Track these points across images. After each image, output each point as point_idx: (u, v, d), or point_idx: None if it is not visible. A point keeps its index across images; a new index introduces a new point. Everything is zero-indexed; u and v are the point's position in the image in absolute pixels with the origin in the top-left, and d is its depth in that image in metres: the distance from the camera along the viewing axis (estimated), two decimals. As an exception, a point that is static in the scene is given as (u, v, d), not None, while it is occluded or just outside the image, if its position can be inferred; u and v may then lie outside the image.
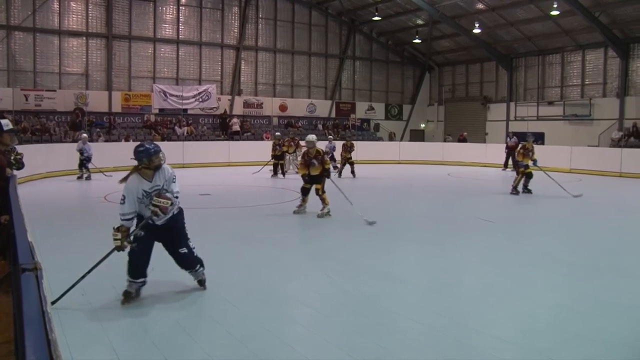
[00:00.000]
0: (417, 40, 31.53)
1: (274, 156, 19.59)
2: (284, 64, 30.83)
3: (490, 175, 21.42)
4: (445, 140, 29.42)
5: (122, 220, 5.37)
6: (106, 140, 22.95)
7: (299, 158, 21.51)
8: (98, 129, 23.53)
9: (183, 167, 21.88)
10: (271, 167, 19.71)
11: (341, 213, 10.58)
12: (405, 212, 10.06)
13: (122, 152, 21.50)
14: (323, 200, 10.76)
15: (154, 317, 5.16)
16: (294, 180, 16.48)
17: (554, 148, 24.60)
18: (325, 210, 10.71)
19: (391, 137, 32.86)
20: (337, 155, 20.62)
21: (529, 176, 14.97)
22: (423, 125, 35.47)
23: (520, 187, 15.00)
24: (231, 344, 4.54)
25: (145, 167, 5.47)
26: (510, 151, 22.88)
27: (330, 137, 23.55)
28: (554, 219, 11.72)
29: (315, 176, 10.80)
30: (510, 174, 21.79)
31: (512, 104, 30.57)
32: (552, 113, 28.29)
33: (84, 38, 25.11)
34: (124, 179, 5.57)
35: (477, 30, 27.79)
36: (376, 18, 29.29)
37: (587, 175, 20.63)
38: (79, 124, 23.29)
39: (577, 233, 10.06)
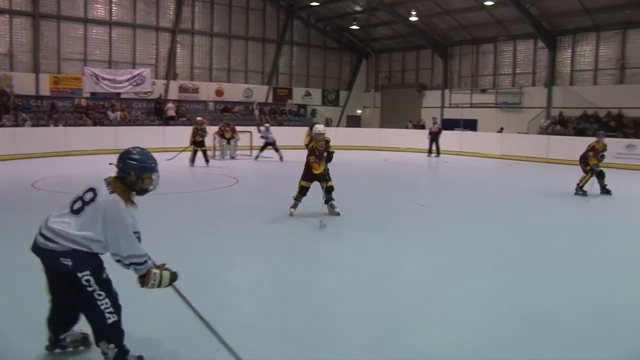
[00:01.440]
0: (354, 27, 31.66)
1: (193, 142, 17.44)
2: (221, 48, 30.34)
3: (425, 161, 21.86)
4: (407, 127, 29.48)
5: (147, 262, 3.73)
6: (33, 125, 21.97)
7: (238, 143, 21.46)
8: (24, 114, 22.44)
9: (116, 153, 21.26)
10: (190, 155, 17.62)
11: (285, 202, 10.53)
12: (344, 198, 10.13)
13: (51, 137, 20.84)
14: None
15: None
16: (219, 167, 16.34)
17: (486, 135, 25.41)
18: (337, 210, 9.55)
19: (328, 123, 32.87)
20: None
21: (601, 175, 12.97)
22: (359, 112, 35.76)
23: (588, 187, 12.88)
24: (167, 330, 4.47)
25: (129, 187, 3.78)
26: (433, 136, 23.38)
27: (267, 124, 22.35)
28: (482, 202, 12.08)
29: (319, 175, 9.46)
30: (435, 159, 22.42)
31: (447, 92, 31.23)
32: (485, 101, 29.08)
33: (7, 16, 23.78)
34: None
35: (413, 18, 28.17)
36: (314, 3, 29.22)
37: (517, 161, 21.38)
38: (4, 108, 22.18)
39: (505, 216, 10.41)
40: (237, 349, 3.79)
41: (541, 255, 7.35)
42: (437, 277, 6.27)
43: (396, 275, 6.39)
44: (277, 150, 20.26)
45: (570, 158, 20.38)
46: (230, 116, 27.64)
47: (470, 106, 29.66)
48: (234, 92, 30.61)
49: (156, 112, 26.83)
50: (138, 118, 26.10)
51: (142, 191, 3.84)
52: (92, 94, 25.41)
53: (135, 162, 3.75)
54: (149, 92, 26.86)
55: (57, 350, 4.00)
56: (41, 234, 3.58)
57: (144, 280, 3.71)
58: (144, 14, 27.37)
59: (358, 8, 30.85)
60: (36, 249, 3.60)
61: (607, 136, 21.18)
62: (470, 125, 28.15)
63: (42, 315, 3.91)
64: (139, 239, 3.67)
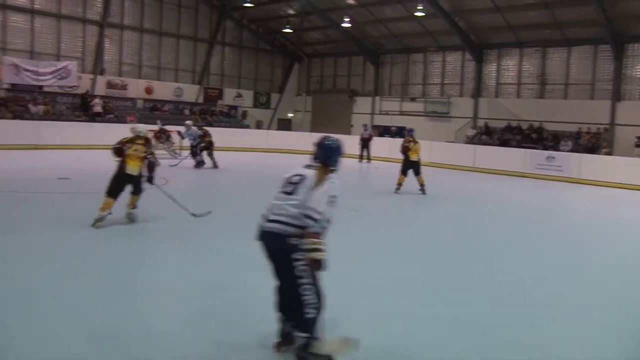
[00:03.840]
0: (287, 30, 31.65)
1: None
2: (151, 45, 29.63)
3: (352, 166, 22.07)
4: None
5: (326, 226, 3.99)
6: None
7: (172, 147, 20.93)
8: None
9: (36, 149, 20.35)
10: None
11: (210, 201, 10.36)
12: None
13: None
14: None
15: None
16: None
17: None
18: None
19: (259, 125, 32.83)
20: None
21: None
22: (291, 115, 35.78)
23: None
24: (94, 335, 4.28)
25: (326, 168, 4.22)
26: (364, 143, 23.71)
27: (188, 122, 19.42)
28: (409, 209, 12.32)
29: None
30: (366, 165, 22.74)
31: (378, 98, 31.75)
32: (414, 109, 29.75)
33: None
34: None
35: (346, 25, 28.46)
36: (248, 5, 28.94)
37: (444, 169, 21.94)
38: None
39: (435, 222, 10.66)
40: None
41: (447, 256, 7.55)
42: (359, 280, 6.32)
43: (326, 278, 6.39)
44: (210, 154, 18.01)
45: (495, 167, 21.35)
46: (159, 114, 26.96)
47: (400, 114, 30.27)
48: (164, 90, 29.95)
49: (82, 108, 25.76)
50: (63, 113, 24.95)
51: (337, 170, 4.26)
52: (12, 85, 24.18)
53: (337, 147, 4.31)
54: (74, 86, 25.84)
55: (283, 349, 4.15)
56: (268, 220, 4.02)
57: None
58: (70, 4, 26.33)
59: (292, 12, 30.87)
60: (263, 234, 4.02)
61: (529, 148, 22.39)
62: (399, 132, 28.65)
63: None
64: (334, 203, 3.96)
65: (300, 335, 3.99)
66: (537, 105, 25.44)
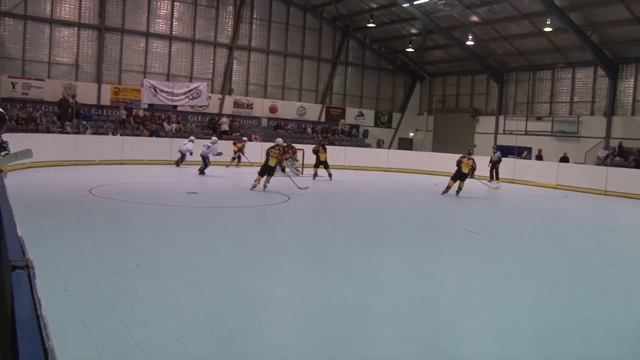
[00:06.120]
0: (409, 49, 31.61)
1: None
2: (276, 66, 30.75)
3: (476, 187, 21.45)
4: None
5: None
6: (94, 133, 22.70)
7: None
8: (84, 122, 23.21)
9: (169, 164, 21.81)
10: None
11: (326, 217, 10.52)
12: (395, 220, 10.08)
13: (110, 145, 21.48)
14: None
15: (137, 318, 5.05)
16: (280, 182, 16.46)
17: (541, 163, 24.78)
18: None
19: (379, 145, 32.88)
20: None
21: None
22: (412, 134, 35.53)
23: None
24: (215, 345, 4.46)
25: None
26: (493, 165, 23.09)
27: (214, 137, 21.93)
28: (539, 232, 11.75)
29: None
30: (495, 185, 21.95)
31: (502, 117, 30.75)
32: (540, 128, 28.47)
33: (76, 28, 24.85)
34: None
35: (470, 43, 27.92)
36: (370, 25, 29.31)
37: (573, 192, 20.76)
38: (66, 115, 22.97)
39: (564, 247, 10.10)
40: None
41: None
42: (481, 301, 6.10)
43: (443, 300, 6.25)
44: (206, 163, 19.66)
45: (629, 191, 19.83)
46: (282, 133, 27.89)
47: (525, 133, 29.08)
48: (288, 109, 30.92)
49: (210, 126, 27.28)
50: (192, 131, 26.57)
51: None
52: (150, 105, 26.14)
53: None
54: (204, 105, 27.43)
55: None
56: None
57: None
58: (203, 29, 28.07)
59: (414, 31, 30.81)
60: None
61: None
62: (521, 152, 27.53)
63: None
64: None
65: None
66: (680, 123, 23.41)
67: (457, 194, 17.13)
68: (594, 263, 8.96)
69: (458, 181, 17.29)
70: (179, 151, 21.71)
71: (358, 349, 4.64)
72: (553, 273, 7.94)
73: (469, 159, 17.32)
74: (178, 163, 21.77)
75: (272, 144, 16.34)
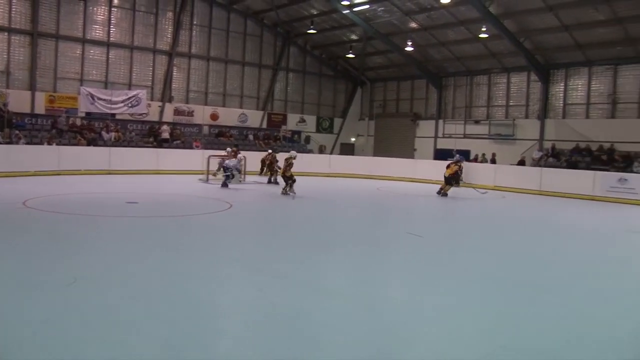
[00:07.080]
0: (350, 55, 31.96)
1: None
2: (217, 72, 30.52)
3: (419, 191, 21.84)
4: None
5: None
6: (27, 143, 21.87)
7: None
8: (17, 131, 22.31)
9: (109, 174, 21.24)
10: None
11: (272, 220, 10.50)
12: (339, 225, 10.15)
13: (45, 155, 20.75)
14: None
15: (74, 333, 4.90)
16: (219, 190, 16.31)
17: (480, 165, 25.47)
18: None
19: (321, 150, 33.08)
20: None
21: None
22: (353, 139, 35.88)
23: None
24: (158, 356, 4.39)
25: None
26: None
27: (232, 148, 21.75)
28: (479, 233, 12.07)
29: None
30: (483, 192, 22.26)
31: (441, 122, 31.44)
32: (478, 132, 29.29)
33: (6, 33, 23.89)
34: None
35: (409, 48, 28.50)
36: (311, 31, 29.47)
37: (510, 192, 21.45)
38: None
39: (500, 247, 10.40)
40: None
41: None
42: (431, 306, 6.22)
43: (390, 304, 6.34)
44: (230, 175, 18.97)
45: (563, 190, 20.70)
46: (224, 140, 27.65)
47: (463, 137, 29.86)
48: (229, 116, 30.70)
49: (150, 135, 26.77)
50: (132, 139, 26.03)
51: None
52: (88, 113, 25.44)
53: None
54: (144, 113, 26.92)
55: None
56: None
57: None
58: (142, 36, 27.55)
59: (354, 37, 31.19)
60: None
61: (599, 169, 21.61)
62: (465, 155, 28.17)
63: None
64: None
65: None
66: (608, 125, 24.46)
67: (437, 193, 19.00)
68: (536, 261, 9.25)
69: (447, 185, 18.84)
70: (223, 167, 19.41)
71: (303, 354, 4.64)
72: (495, 272, 8.17)
73: (455, 164, 18.86)
74: (225, 183, 18.71)
75: (287, 155, 18.21)
